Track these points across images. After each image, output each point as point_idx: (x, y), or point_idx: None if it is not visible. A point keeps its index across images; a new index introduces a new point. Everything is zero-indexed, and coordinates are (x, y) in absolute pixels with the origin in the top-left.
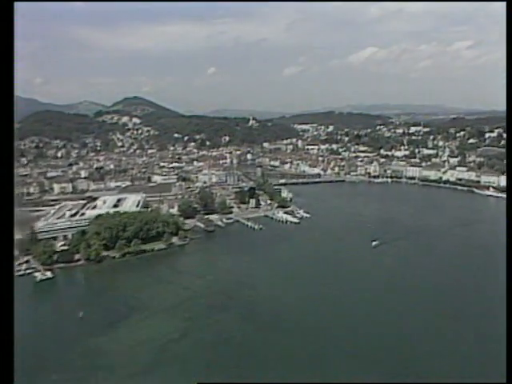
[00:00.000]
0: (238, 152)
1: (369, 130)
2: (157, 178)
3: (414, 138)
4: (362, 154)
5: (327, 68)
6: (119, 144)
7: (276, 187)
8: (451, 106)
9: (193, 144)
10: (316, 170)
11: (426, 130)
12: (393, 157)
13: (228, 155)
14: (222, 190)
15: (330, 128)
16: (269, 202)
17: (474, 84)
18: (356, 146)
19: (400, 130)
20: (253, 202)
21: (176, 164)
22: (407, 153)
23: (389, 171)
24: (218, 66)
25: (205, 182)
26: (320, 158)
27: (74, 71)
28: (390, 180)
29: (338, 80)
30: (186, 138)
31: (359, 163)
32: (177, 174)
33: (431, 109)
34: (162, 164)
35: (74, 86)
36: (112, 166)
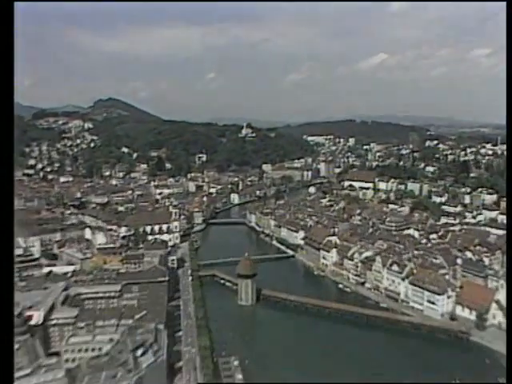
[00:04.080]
0: (214, 189)
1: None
2: None
3: None
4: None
5: (333, 76)
6: (31, 162)
7: None
8: (460, 118)
9: (144, 166)
10: (445, 305)
11: None
12: None
13: (174, 212)
14: None
15: (351, 141)
16: None
17: (489, 94)
18: (464, 189)
19: (486, 151)
20: None
21: None
22: None
23: None
24: (217, 70)
25: None
26: (427, 244)
27: (67, 74)
28: None
29: (346, 89)
30: (135, 156)
31: None
32: None
33: (443, 121)
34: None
35: (66, 89)
36: None
